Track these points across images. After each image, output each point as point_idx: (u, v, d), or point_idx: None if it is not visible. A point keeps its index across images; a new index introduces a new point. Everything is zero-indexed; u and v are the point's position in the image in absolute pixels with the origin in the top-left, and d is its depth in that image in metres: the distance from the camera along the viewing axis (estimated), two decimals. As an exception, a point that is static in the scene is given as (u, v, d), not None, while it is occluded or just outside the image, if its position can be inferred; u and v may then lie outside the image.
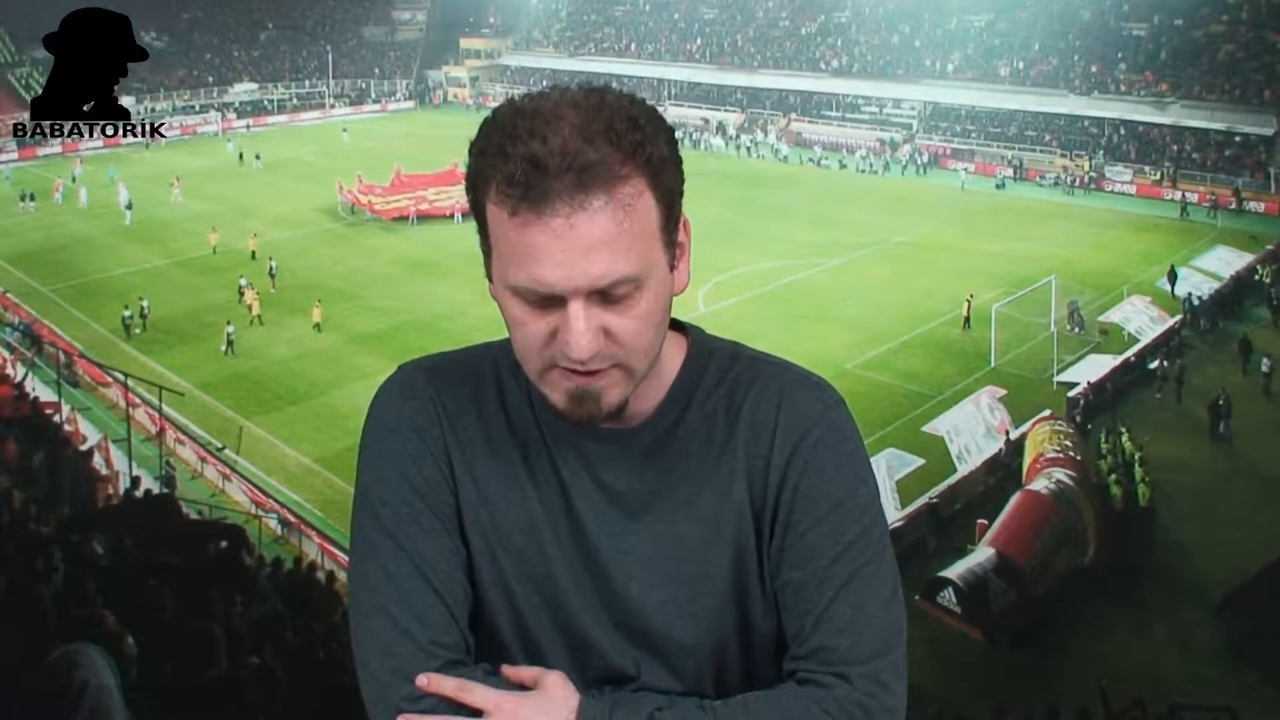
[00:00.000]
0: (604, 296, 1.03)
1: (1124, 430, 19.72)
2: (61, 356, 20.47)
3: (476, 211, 1.08)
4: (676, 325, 1.22)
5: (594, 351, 1.04)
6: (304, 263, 31.59)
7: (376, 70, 70.33)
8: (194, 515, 13.09)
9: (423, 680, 1.07)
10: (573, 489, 1.16)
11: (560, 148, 0.99)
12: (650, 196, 1.04)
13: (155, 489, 14.60)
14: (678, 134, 1.12)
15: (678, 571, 1.15)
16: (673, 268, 1.10)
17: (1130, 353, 23.64)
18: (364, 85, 68.84)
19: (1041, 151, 46.13)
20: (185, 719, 4.07)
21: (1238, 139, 41.71)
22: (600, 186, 1.00)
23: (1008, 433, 19.69)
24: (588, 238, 1.00)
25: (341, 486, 17.92)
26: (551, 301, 1.03)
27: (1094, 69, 47.02)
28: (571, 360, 1.04)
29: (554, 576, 1.16)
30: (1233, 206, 38.93)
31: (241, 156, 47.18)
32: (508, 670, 1.10)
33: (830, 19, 58.42)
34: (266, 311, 26.59)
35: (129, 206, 36.43)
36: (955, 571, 14.89)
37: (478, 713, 1.06)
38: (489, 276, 1.10)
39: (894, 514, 16.52)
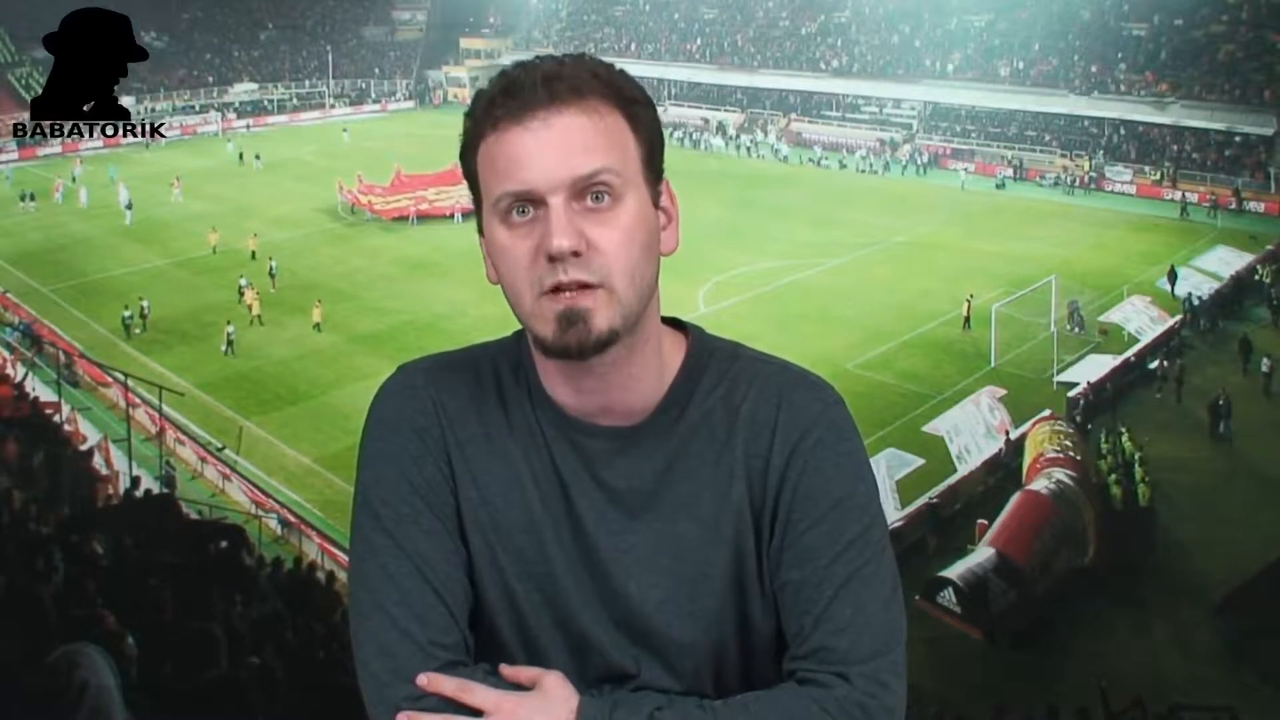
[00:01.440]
0: (583, 199, 1.06)
1: (1124, 430, 19.72)
2: (61, 356, 20.47)
3: (470, 177, 1.12)
4: (677, 324, 1.22)
5: (574, 244, 1.05)
6: (304, 263, 31.59)
7: (376, 70, 70.32)
8: (194, 515, 13.09)
9: (423, 680, 1.07)
10: (572, 488, 1.16)
11: (538, 70, 1.08)
12: (626, 128, 1.09)
13: (155, 489, 14.60)
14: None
15: (677, 571, 1.15)
16: (658, 207, 1.13)
17: (1130, 353, 23.64)
18: (364, 85, 68.83)
19: (1041, 151, 46.13)
20: (185, 719, 4.07)
21: (1238, 139, 41.71)
22: (575, 96, 1.07)
23: (1008, 433, 19.69)
24: (563, 134, 1.06)
25: (341, 486, 17.91)
26: (534, 208, 1.07)
27: (1094, 69, 47.01)
28: (556, 262, 1.05)
29: (554, 575, 1.16)
30: (1233, 206, 38.92)
31: (241, 156, 47.17)
32: (506, 670, 1.10)
33: (830, 19, 58.42)
34: (266, 311, 26.58)
35: (129, 206, 36.42)
36: (955, 571, 14.89)
37: (478, 713, 1.06)
38: (480, 232, 1.13)
39: (894, 514, 16.52)
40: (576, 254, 1.06)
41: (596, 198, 1.07)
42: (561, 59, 1.10)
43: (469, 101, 1.14)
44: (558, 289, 1.06)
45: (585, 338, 1.08)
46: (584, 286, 1.06)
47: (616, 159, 1.08)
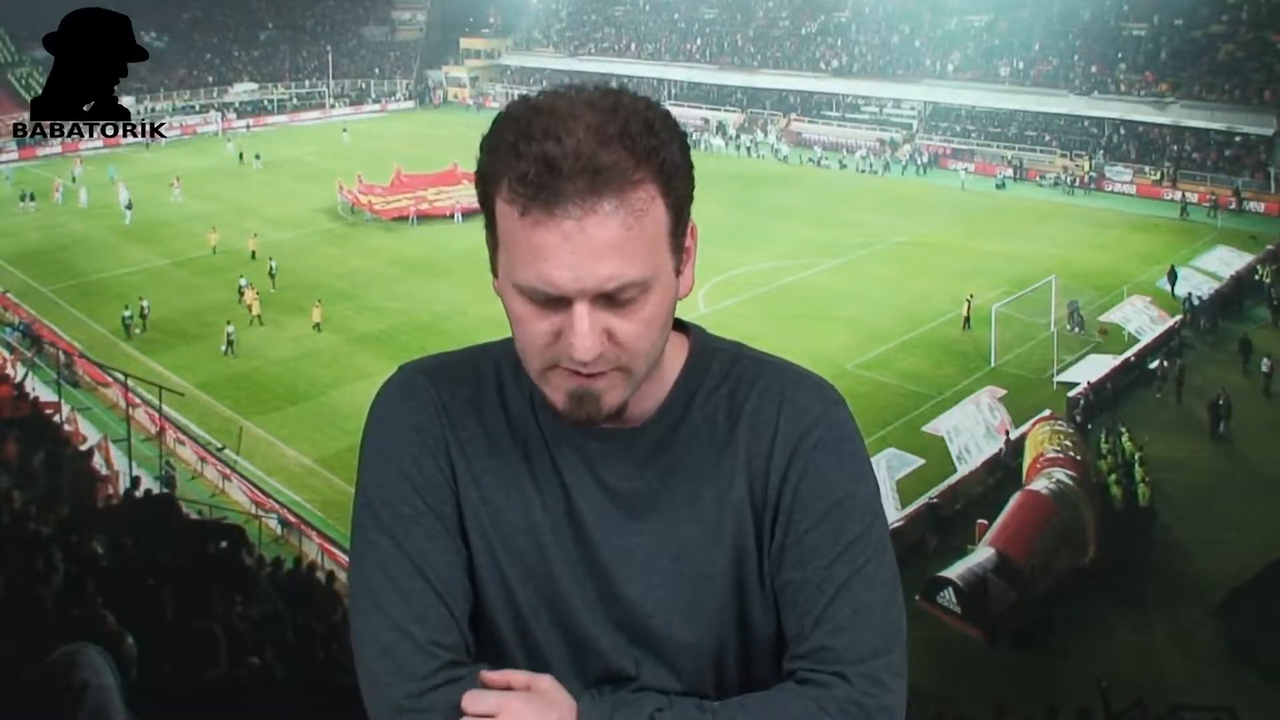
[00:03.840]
0: (609, 300, 1.03)
1: (1124, 430, 19.72)
2: (61, 356, 20.47)
3: (486, 206, 1.08)
4: (678, 325, 1.22)
5: (597, 354, 1.04)
6: (304, 263, 31.59)
7: (376, 70, 70.34)
8: (194, 515, 13.09)
9: (466, 701, 1.04)
10: (574, 489, 1.16)
11: (575, 149, 0.99)
12: (661, 202, 1.04)
13: (155, 489, 14.61)
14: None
15: (679, 571, 1.15)
16: (678, 272, 1.10)
17: (1130, 353, 23.65)
18: (364, 85, 68.85)
19: (1041, 151, 46.14)
20: (185, 719, 4.07)
21: (1238, 139, 41.72)
22: (612, 190, 1.00)
23: (1008, 433, 19.69)
24: (597, 241, 1.00)
25: (341, 486, 17.91)
26: (557, 302, 1.03)
27: (1094, 69, 47.02)
28: (574, 362, 1.04)
29: (554, 576, 1.16)
30: (1233, 206, 38.93)
31: (241, 156, 47.18)
32: (496, 675, 1.07)
33: (830, 19, 58.42)
34: (266, 311, 26.59)
35: (129, 206, 36.44)
36: (955, 571, 14.88)
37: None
38: (494, 272, 1.10)
39: (894, 514, 16.52)
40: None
41: (624, 298, 1.04)
42: (605, 119, 1.01)
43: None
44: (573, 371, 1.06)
45: (595, 414, 1.08)
46: (600, 372, 1.06)
47: (647, 259, 1.03)
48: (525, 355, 1.09)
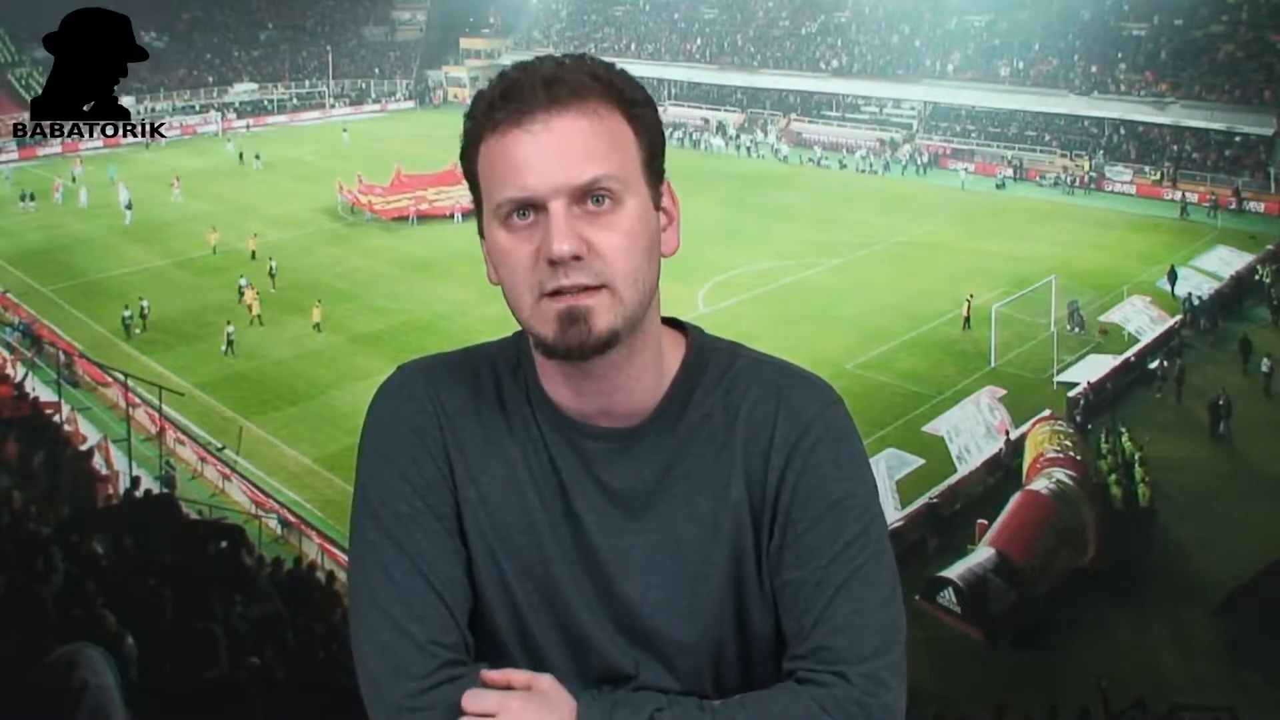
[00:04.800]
0: (584, 203, 1.06)
1: (1124, 430, 19.72)
2: (61, 356, 20.47)
3: (471, 179, 1.12)
4: (676, 325, 1.22)
5: (574, 250, 1.05)
6: (304, 263, 31.58)
7: (376, 70, 70.32)
8: (194, 515, 13.09)
9: (466, 701, 1.04)
10: (572, 489, 1.16)
11: (537, 70, 1.08)
12: (627, 126, 1.09)
13: (155, 489, 14.61)
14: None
15: (677, 571, 1.15)
16: (658, 207, 1.13)
17: (1130, 353, 23.64)
18: (364, 85, 68.82)
19: (1041, 151, 46.13)
20: (185, 719, 4.07)
21: (1238, 139, 41.70)
22: (576, 99, 1.07)
23: (1008, 433, 19.69)
24: (564, 138, 1.06)
25: (341, 486, 17.91)
26: (535, 212, 1.07)
27: (1094, 69, 47.00)
28: (556, 266, 1.05)
29: (553, 576, 1.16)
30: (1233, 206, 38.91)
31: (241, 156, 47.17)
32: (496, 674, 1.07)
33: (830, 19, 58.41)
34: (266, 311, 26.58)
35: (129, 206, 36.43)
36: (955, 571, 14.89)
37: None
38: (481, 234, 1.13)
39: (894, 514, 16.53)
40: (578, 258, 1.06)
41: (597, 201, 1.07)
42: (561, 60, 1.09)
43: (469, 101, 1.13)
44: (559, 292, 1.07)
45: (586, 337, 1.08)
46: (585, 289, 1.07)
47: (617, 162, 1.07)
48: (514, 292, 1.10)
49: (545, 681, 1.06)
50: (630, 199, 1.08)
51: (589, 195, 1.06)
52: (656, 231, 1.13)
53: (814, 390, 1.18)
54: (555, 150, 1.05)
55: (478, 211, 1.14)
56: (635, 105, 1.10)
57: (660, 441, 1.17)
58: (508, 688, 1.05)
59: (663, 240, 1.14)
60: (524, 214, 1.07)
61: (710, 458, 1.16)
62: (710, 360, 1.20)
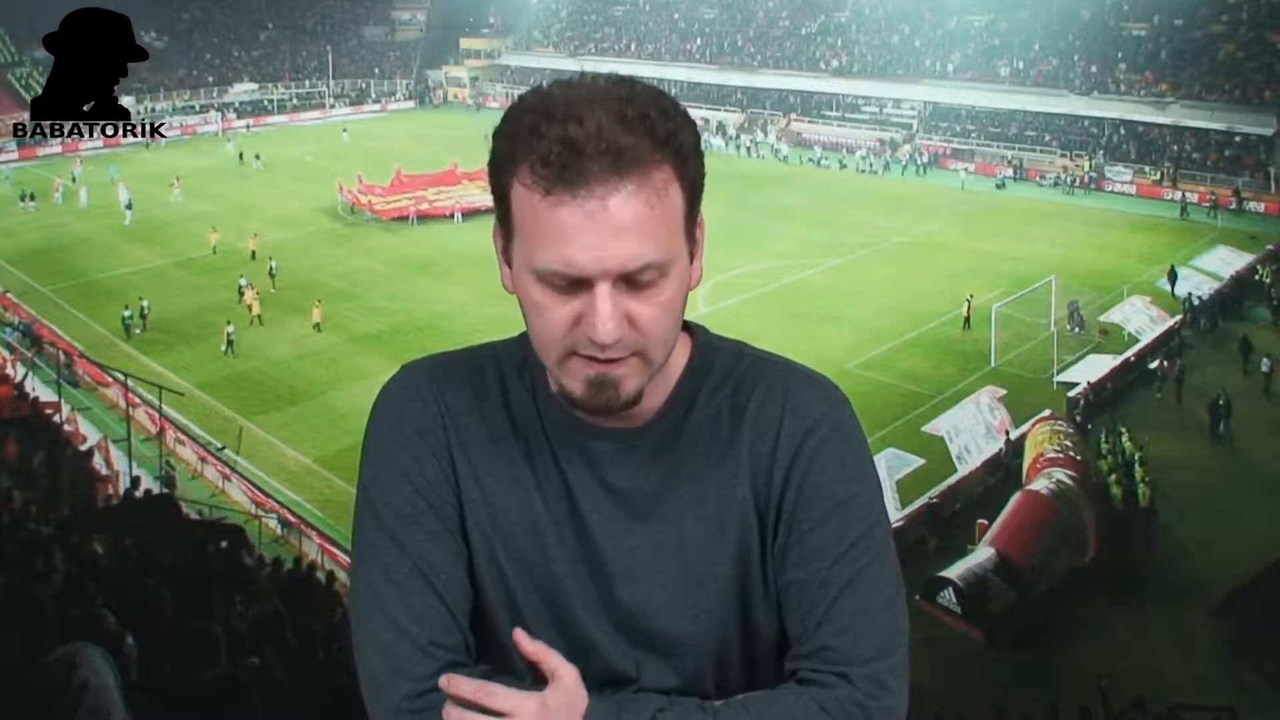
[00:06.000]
0: (630, 282, 1.03)
1: (1124, 430, 19.73)
2: (61, 356, 20.47)
3: (499, 194, 1.07)
4: (681, 324, 1.22)
5: (618, 337, 1.03)
6: (304, 263, 31.58)
7: (376, 70, 70.32)
8: (194, 515, 13.09)
9: (443, 681, 1.03)
10: (577, 489, 1.16)
11: (596, 130, 0.99)
12: (677, 186, 1.05)
13: (155, 489, 14.62)
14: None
15: (682, 571, 1.15)
16: (692, 259, 1.10)
17: (1130, 353, 23.65)
18: (364, 85, 68.83)
19: (1041, 151, 46.13)
20: (185, 719, 4.06)
21: (1238, 139, 41.70)
22: (635, 170, 1.00)
23: (1008, 433, 19.69)
24: (620, 220, 1.00)
25: (341, 486, 17.91)
26: (577, 286, 1.03)
27: (1094, 69, 47.01)
28: (596, 344, 1.03)
29: (555, 577, 1.15)
30: (1233, 206, 38.92)
31: (241, 156, 47.17)
32: (530, 647, 1.04)
33: (830, 19, 58.42)
34: (266, 311, 26.58)
35: (129, 206, 36.43)
36: (955, 571, 14.89)
37: (497, 714, 1.01)
38: (508, 262, 1.09)
39: (894, 514, 16.51)
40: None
41: (643, 278, 1.04)
42: (624, 111, 1.01)
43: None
44: (592, 358, 1.05)
45: (614, 402, 1.08)
46: (618, 359, 1.06)
47: (666, 240, 1.03)
48: (543, 344, 1.08)
49: (569, 674, 1.03)
50: (674, 269, 1.06)
51: (636, 275, 1.03)
52: (688, 286, 1.10)
53: (820, 390, 1.18)
54: (610, 234, 1.00)
55: (503, 225, 1.09)
56: (687, 157, 1.05)
57: (666, 442, 1.16)
58: (537, 663, 1.03)
59: (689, 276, 1.11)
60: (564, 280, 1.03)
61: (716, 457, 1.16)
62: (715, 360, 1.20)
